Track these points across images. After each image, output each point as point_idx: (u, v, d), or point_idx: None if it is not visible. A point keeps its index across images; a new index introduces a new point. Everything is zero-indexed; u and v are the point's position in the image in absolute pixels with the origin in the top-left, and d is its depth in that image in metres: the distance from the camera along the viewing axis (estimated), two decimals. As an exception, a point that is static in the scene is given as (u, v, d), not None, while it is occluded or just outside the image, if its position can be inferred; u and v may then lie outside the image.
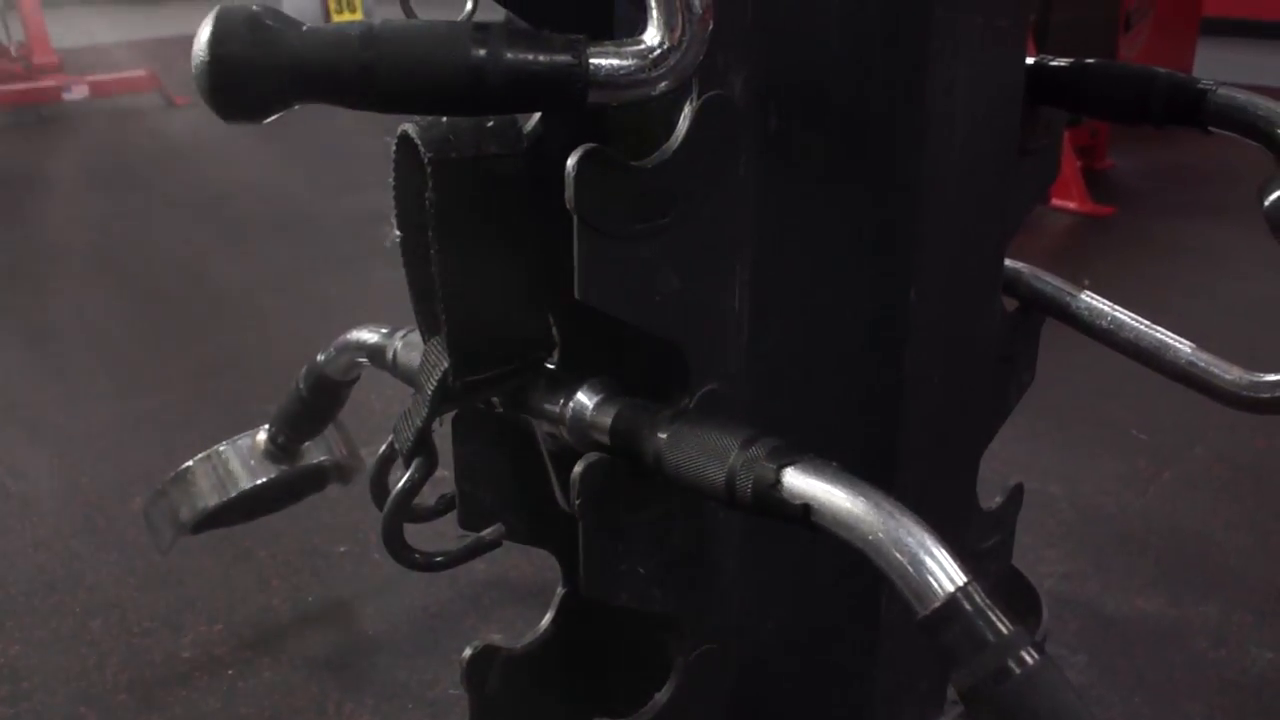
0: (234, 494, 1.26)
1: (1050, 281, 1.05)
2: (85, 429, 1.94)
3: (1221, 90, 0.90)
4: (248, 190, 3.47)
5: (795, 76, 0.72)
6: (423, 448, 0.77)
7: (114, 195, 3.53)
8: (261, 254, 2.92)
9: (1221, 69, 5.41)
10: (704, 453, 0.64)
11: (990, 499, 1.06)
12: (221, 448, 1.27)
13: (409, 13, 0.88)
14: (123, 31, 7.02)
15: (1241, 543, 1.56)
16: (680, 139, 0.66)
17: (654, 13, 0.60)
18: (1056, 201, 3.14)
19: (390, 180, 0.75)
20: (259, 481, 1.26)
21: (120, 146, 4.33)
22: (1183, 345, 1.02)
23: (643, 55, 0.60)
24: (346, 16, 5.57)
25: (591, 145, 0.63)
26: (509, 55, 0.59)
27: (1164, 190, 3.43)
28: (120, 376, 2.16)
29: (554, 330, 0.76)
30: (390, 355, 0.93)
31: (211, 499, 1.26)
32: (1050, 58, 0.96)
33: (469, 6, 0.88)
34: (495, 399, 0.78)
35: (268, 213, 3.26)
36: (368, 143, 3.52)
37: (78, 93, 4.85)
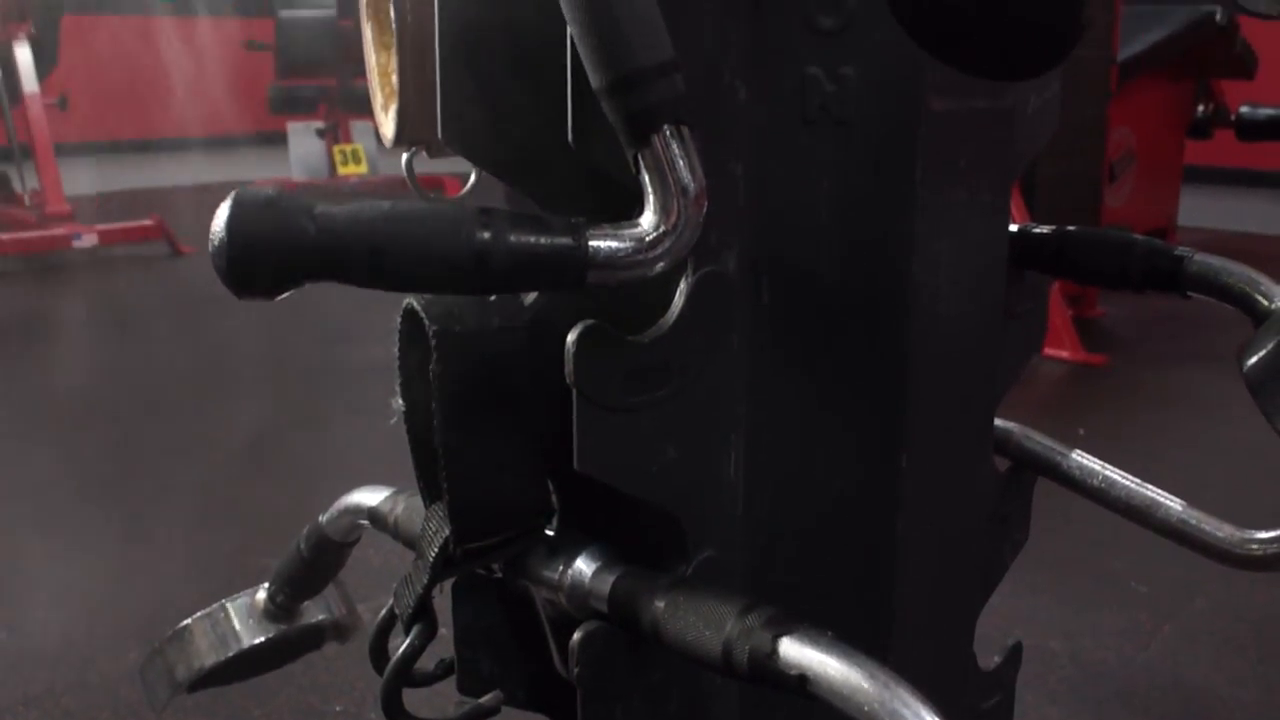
0: (232, 653, 1.25)
1: (1041, 441, 1.07)
2: (80, 581, 1.94)
3: (1198, 257, 0.93)
4: (249, 338, 3.52)
5: (786, 253, 0.75)
6: (423, 614, 0.78)
7: (116, 342, 3.57)
8: (262, 403, 2.95)
9: (1205, 216, 5.52)
10: (701, 621, 0.65)
11: (989, 657, 1.06)
12: (220, 606, 1.27)
13: (414, 183, 0.92)
14: (133, 179, 7.16)
15: (1246, 698, 1.55)
16: (676, 314, 0.69)
17: (650, 197, 0.63)
18: (1049, 351, 3.18)
19: (395, 351, 0.78)
20: (257, 641, 1.25)
21: (125, 294, 4.40)
22: (1174, 503, 1.03)
23: (640, 238, 0.62)
24: (352, 169, 5.71)
25: (590, 322, 0.66)
26: (512, 238, 0.62)
27: (1155, 338, 3.48)
28: (116, 527, 2.17)
29: (554, 498, 0.77)
30: (392, 519, 0.94)
31: (209, 658, 1.25)
32: (1033, 225, 1.00)
33: (472, 179, 0.92)
34: (495, 565, 0.79)
35: (269, 361, 3.30)
36: (366, 295, 3.56)
37: (87, 240, 4.95)
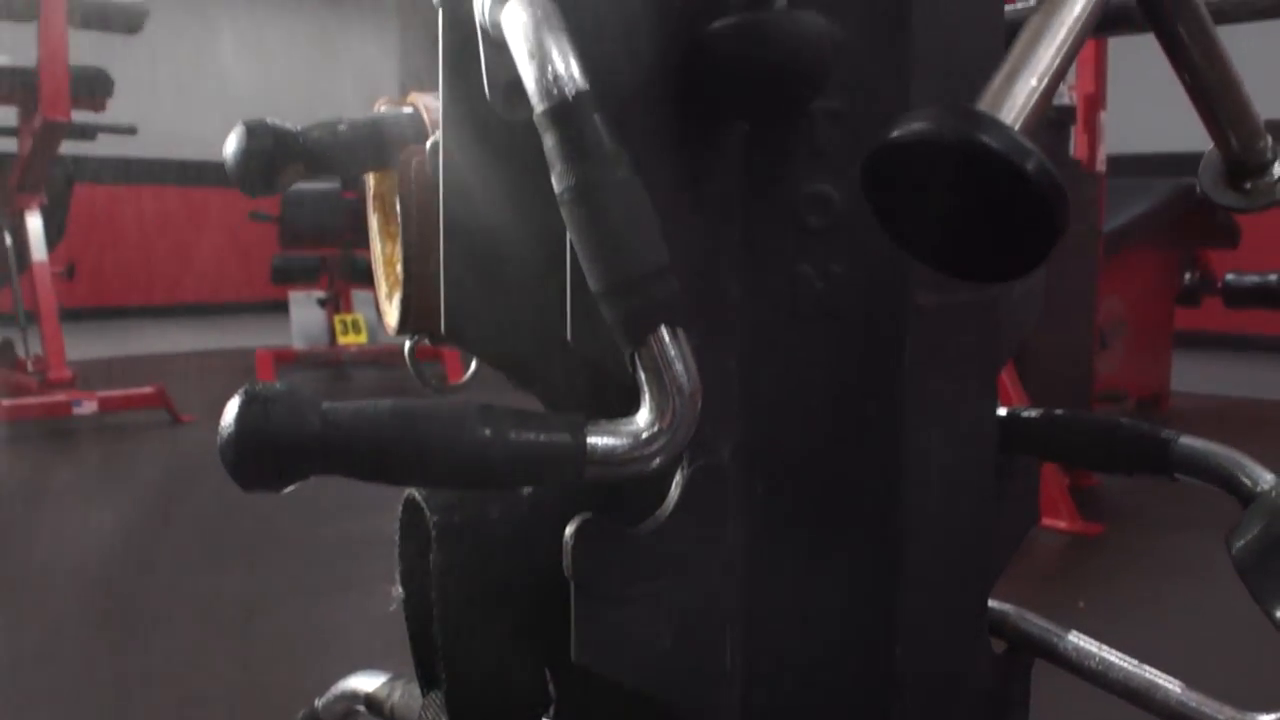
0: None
1: (1037, 623, 1.07)
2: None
3: (1183, 440, 0.95)
4: (247, 509, 3.51)
5: (780, 444, 0.77)
6: (419, 805, 0.77)
7: (111, 512, 3.57)
8: (259, 576, 2.94)
9: (1198, 381, 5.56)
10: (698, 816, 0.65)
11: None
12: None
13: (419, 373, 0.95)
14: (136, 345, 7.24)
15: None
16: (672, 507, 0.70)
17: (646, 396, 0.65)
18: (1046, 521, 3.18)
19: (395, 538, 0.79)
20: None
21: (123, 463, 4.41)
22: (1173, 685, 1.03)
23: (636, 435, 0.64)
24: (352, 338, 5.78)
25: (588, 516, 0.68)
26: (512, 436, 0.64)
27: (1152, 505, 3.48)
28: (103, 711, 2.13)
29: (551, 688, 0.78)
30: (388, 706, 0.94)
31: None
32: (1021, 409, 1.02)
33: (472, 366, 0.95)
34: (492, 754, 0.79)
35: (266, 532, 3.29)
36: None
37: (87, 407, 4.98)
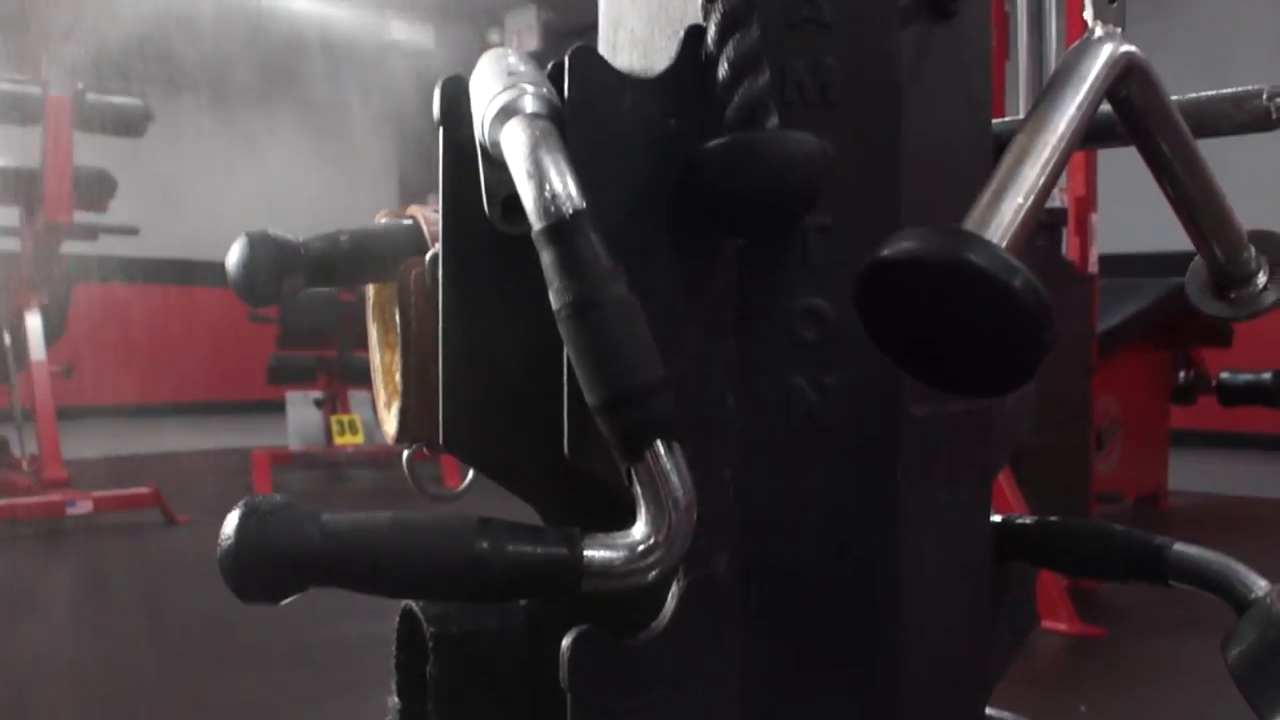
0: None
1: (1035, 731, 1.07)
2: None
3: (1177, 546, 0.95)
4: (242, 612, 3.48)
5: (775, 555, 0.77)
6: None
7: (102, 615, 3.53)
8: (253, 680, 2.90)
9: (1196, 480, 5.55)
10: None
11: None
12: None
13: (418, 483, 0.95)
14: (132, 444, 7.23)
15: None
16: (668, 619, 0.71)
17: (643, 509, 0.65)
18: (1046, 623, 3.16)
19: (392, 649, 0.79)
20: None
21: (117, 564, 4.38)
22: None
23: (632, 548, 0.65)
24: (349, 439, 5.78)
25: (584, 628, 0.68)
26: (509, 549, 0.65)
27: (1153, 607, 3.46)
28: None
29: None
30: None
31: None
32: (1016, 516, 1.02)
33: (470, 475, 0.95)
34: None
35: (261, 635, 3.26)
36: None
37: (81, 507, 4.96)
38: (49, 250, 5.49)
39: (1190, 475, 5.58)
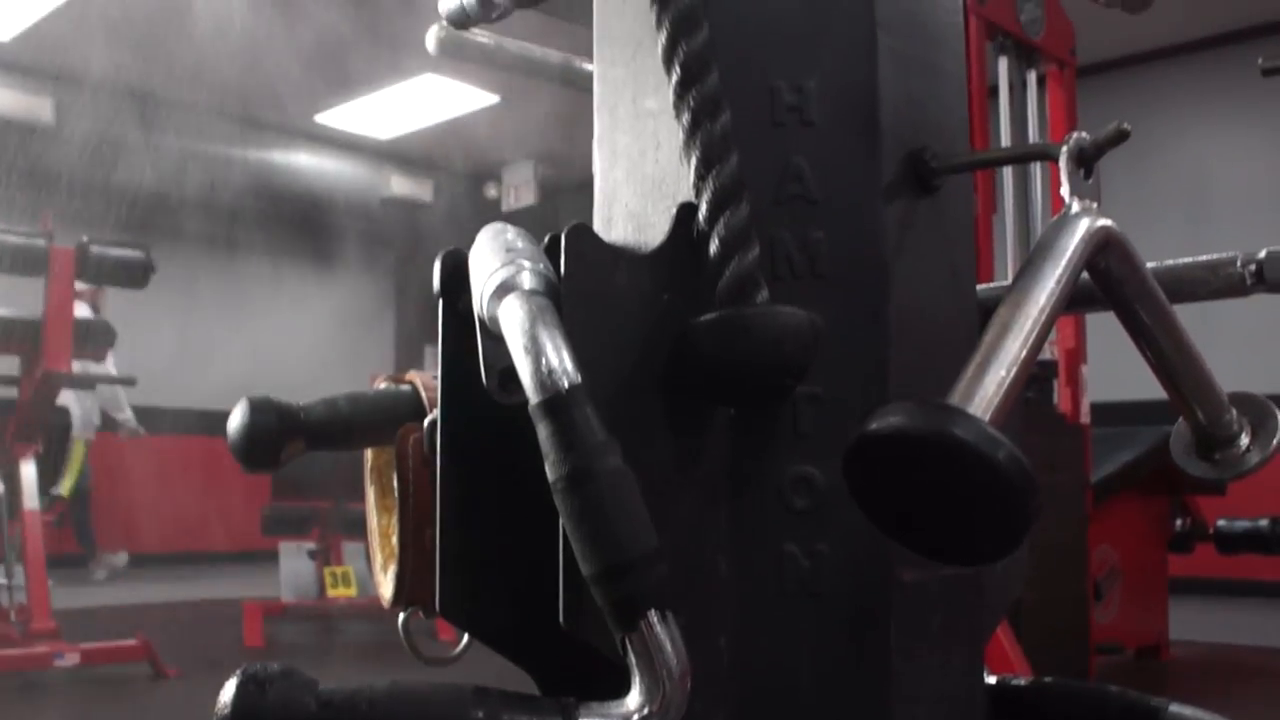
0: None
1: None
2: None
3: (1173, 708, 0.95)
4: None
5: (768, 719, 0.78)
6: None
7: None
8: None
9: (1197, 629, 5.47)
10: None
11: None
12: None
13: (413, 648, 0.96)
14: (124, 594, 7.15)
15: None
16: (663, 788, 0.70)
17: (637, 679, 0.66)
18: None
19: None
20: None
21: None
22: None
23: (627, 718, 0.65)
24: (341, 591, 5.72)
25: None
26: (504, 718, 0.65)
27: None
28: None
29: None
30: None
31: None
32: (1010, 677, 1.02)
33: (464, 640, 0.95)
34: None
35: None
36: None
37: (69, 660, 4.87)
38: (46, 399, 5.51)
39: (1191, 624, 5.52)
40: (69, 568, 6.97)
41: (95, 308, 7.08)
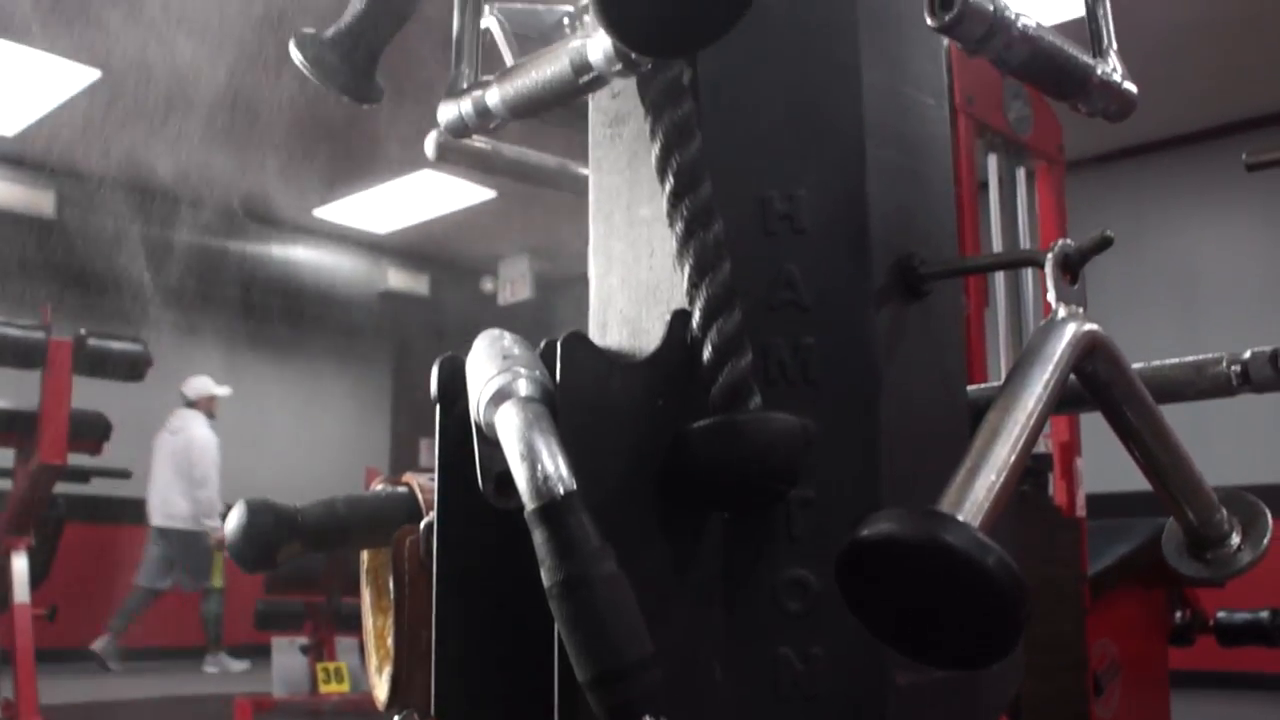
0: None
1: None
2: None
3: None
4: None
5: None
6: None
7: None
8: None
9: (1201, 723, 5.34)
10: None
11: None
12: None
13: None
14: (114, 690, 7.05)
15: None
16: None
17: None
18: None
19: None
20: None
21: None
22: None
23: None
24: (334, 687, 5.65)
25: None
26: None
27: None
28: None
29: None
30: None
31: None
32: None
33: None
34: None
35: None
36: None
37: (55, 757, 4.80)
38: (41, 491, 5.48)
39: (1193, 718, 5.45)
40: (60, 661, 6.88)
41: (210, 414, 7.80)
